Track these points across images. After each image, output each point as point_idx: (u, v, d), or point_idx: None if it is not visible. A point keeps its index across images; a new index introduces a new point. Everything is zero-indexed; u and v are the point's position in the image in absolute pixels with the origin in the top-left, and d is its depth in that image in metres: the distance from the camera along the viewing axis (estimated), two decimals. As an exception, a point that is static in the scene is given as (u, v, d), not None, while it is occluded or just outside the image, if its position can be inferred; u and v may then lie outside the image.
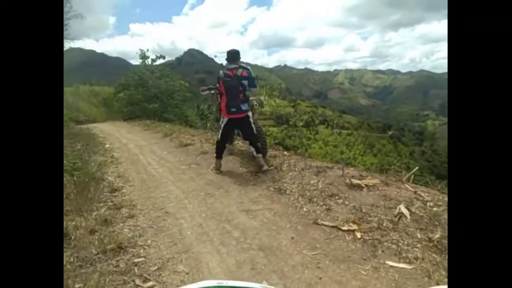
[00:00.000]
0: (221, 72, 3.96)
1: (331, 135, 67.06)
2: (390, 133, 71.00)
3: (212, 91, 4.29)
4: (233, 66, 3.95)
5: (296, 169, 4.07)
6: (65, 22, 15.54)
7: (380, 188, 3.24)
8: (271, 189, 3.41)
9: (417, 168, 4.04)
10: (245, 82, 3.91)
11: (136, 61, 14.37)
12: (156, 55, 14.05)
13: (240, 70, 3.91)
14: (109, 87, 19.17)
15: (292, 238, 2.51)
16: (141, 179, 4.04)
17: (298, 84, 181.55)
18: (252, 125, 4.05)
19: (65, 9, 15.39)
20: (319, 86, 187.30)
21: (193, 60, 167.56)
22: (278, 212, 2.92)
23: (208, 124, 13.88)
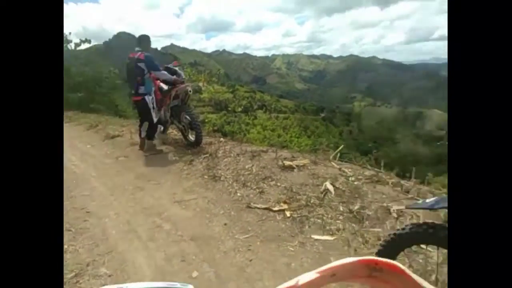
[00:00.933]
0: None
1: (269, 119, 68.86)
2: (322, 115, 75.73)
3: None
4: (136, 49, 3.95)
5: (232, 155, 4.05)
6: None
7: (309, 168, 3.41)
8: (206, 177, 3.35)
9: (342, 146, 4.34)
10: (141, 65, 3.84)
11: (56, 46, 12.54)
12: (80, 39, 12.61)
13: (139, 53, 3.88)
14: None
15: (225, 224, 2.51)
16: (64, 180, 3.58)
17: (237, 70, 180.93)
18: (151, 109, 3.99)
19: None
20: (257, 71, 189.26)
21: (124, 45, 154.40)
22: (212, 200, 2.89)
23: None
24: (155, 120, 4.05)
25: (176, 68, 4.37)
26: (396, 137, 60.98)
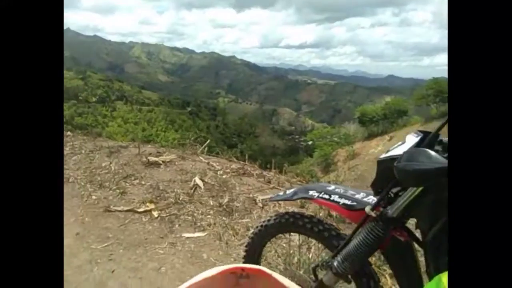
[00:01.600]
0: None
1: (131, 111, 63.46)
2: (189, 109, 75.70)
3: None
4: None
5: (83, 151, 3.44)
6: None
7: (177, 163, 3.28)
8: (47, 180, 2.71)
9: (209, 140, 4.41)
10: None
11: None
12: None
13: None
14: None
15: (77, 234, 2.10)
16: None
17: (87, 54, 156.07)
18: None
19: None
20: (113, 58, 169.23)
21: None
22: (58, 207, 2.37)
23: None
24: None
25: None
26: (257, 132, 67.57)
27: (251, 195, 2.65)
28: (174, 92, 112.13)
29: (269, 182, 2.96)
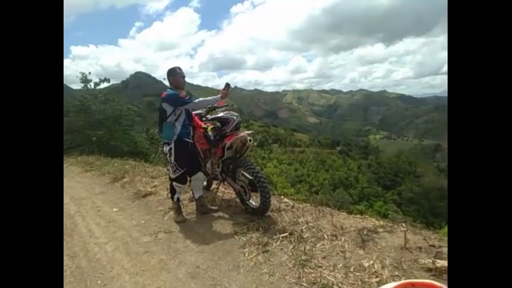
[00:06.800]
0: None
1: (284, 153, 68.25)
2: (338, 148, 74.51)
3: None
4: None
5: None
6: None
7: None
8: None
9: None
10: (164, 105, 2.91)
11: (77, 85, 12.54)
12: (99, 79, 12.54)
13: (163, 92, 3.03)
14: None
15: None
16: (78, 273, 2.32)
17: (249, 105, 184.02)
18: (168, 156, 3.03)
19: None
20: (269, 106, 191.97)
21: (141, 83, 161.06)
22: None
23: (160, 149, 12.54)
24: (172, 177, 3.05)
25: (223, 111, 3.47)
26: (418, 171, 58.58)
27: None
28: (323, 132, 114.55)
29: None
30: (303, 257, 2.20)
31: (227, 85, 3.03)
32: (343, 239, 2.42)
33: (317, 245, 2.36)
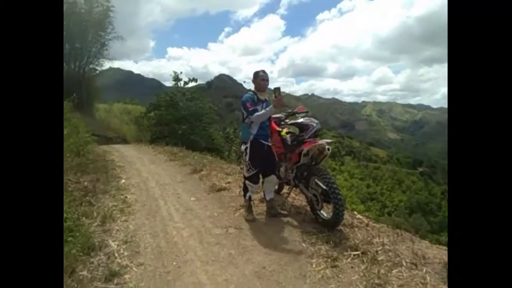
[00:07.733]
0: None
1: (357, 167, 64.60)
2: (420, 169, 67.28)
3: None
4: None
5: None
6: (106, 42, 15.95)
7: None
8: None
9: None
10: (242, 109, 3.09)
11: (170, 83, 14.05)
12: (188, 78, 13.82)
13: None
14: (141, 106, 19.11)
15: None
16: (157, 251, 2.57)
17: (325, 114, 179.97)
18: (243, 155, 3.17)
19: (107, 30, 15.76)
20: (346, 117, 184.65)
21: (223, 85, 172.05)
22: None
23: (233, 148, 13.36)
24: (246, 175, 3.17)
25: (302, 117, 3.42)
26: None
27: None
28: (404, 150, 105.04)
29: None
30: (376, 281, 2.03)
31: (277, 90, 2.94)
32: (424, 270, 2.16)
33: (393, 271, 2.16)
